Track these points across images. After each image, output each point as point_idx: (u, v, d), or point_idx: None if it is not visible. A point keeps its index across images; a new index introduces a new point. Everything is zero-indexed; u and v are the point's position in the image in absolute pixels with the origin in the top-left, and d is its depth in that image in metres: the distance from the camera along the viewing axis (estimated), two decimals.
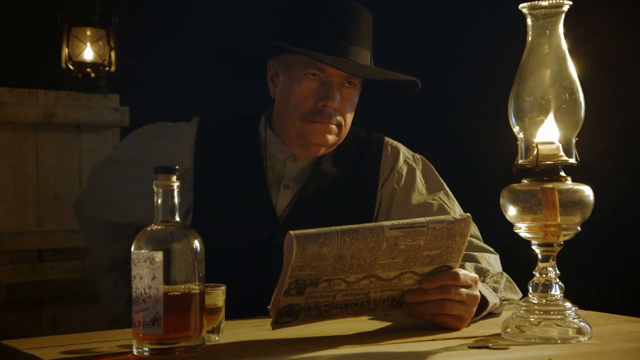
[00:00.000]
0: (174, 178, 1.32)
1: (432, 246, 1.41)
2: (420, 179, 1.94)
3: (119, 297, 2.16)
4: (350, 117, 1.87)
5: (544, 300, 1.40)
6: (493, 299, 1.58)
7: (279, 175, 1.92)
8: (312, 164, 1.93)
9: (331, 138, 1.85)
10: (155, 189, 1.32)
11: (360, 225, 1.36)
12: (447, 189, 1.95)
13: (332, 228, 1.34)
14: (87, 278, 2.26)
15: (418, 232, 1.39)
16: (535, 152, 1.39)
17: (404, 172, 1.94)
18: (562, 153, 1.39)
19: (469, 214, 1.45)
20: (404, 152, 1.98)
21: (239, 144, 1.94)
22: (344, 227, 1.35)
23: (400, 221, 1.39)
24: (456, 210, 1.90)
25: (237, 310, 1.63)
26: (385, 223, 1.38)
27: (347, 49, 1.83)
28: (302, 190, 1.90)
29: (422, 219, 1.40)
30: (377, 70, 1.87)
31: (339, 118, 1.84)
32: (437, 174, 1.97)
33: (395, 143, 1.99)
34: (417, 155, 1.99)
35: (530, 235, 1.40)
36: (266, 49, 1.90)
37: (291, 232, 1.32)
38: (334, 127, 1.84)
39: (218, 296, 1.43)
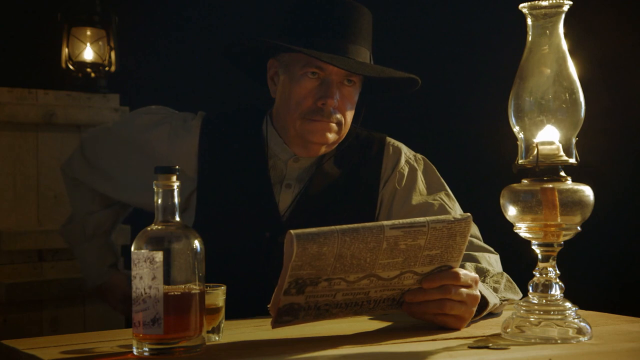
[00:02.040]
0: (174, 178, 1.32)
1: (433, 246, 1.41)
2: (422, 179, 1.94)
3: (102, 262, 2.18)
4: (350, 115, 1.88)
5: (544, 300, 1.40)
6: (493, 299, 1.58)
7: (280, 174, 1.92)
8: (314, 164, 1.93)
9: (331, 137, 1.85)
10: (155, 189, 1.32)
11: (360, 225, 1.36)
12: (448, 189, 1.95)
13: (333, 227, 1.34)
14: (67, 242, 2.26)
15: (418, 232, 1.39)
16: (535, 152, 1.39)
17: (406, 173, 1.94)
18: (562, 153, 1.39)
19: (469, 214, 1.45)
20: (406, 152, 1.98)
21: (243, 142, 1.94)
22: (344, 226, 1.35)
23: (401, 221, 1.39)
24: (457, 210, 1.90)
25: (237, 310, 1.63)
26: (385, 223, 1.38)
27: (347, 48, 1.83)
28: (304, 190, 1.90)
29: (422, 219, 1.40)
30: (376, 67, 1.87)
31: (339, 116, 1.84)
32: (439, 175, 1.97)
33: (397, 143, 1.99)
34: (419, 156, 2.00)
35: (530, 235, 1.40)
36: (266, 48, 1.90)
37: (291, 231, 1.32)
38: (334, 125, 1.84)
39: (218, 296, 1.43)
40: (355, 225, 1.36)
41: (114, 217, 2.18)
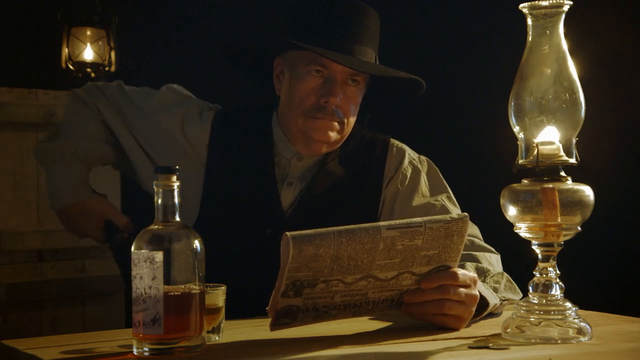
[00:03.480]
0: (174, 178, 1.32)
1: (430, 246, 1.41)
2: (425, 181, 1.94)
3: (81, 181, 1.99)
4: (353, 115, 1.88)
5: (544, 300, 1.40)
6: (493, 299, 1.58)
7: (284, 172, 1.92)
8: (318, 163, 1.93)
9: (333, 135, 1.85)
10: (155, 189, 1.32)
11: (356, 226, 1.36)
12: (450, 192, 1.95)
13: (329, 229, 1.34)
14: (43, 156, 2.02)
15: (415, 232, 1.39)
16: (536, 152, 1.39)
17: (409, 174, 1.94)
18: (562, 153, 1.39)
19: (466, 214, 1.45)
20: (410, 153, 1.98)
21: (251, 138, 1.95)
22: (340, 227, 1.35)
23: (397, 221, 1.39)
24: None
25: (237, 310, 1.63)
26: (382, 223, 1.38)
27: (352, 48, 1.83)
28: (307, 189, 1.91)
29: (419, 219, 1.40)
30: (380, 67, 1.87)
31: (342, 116, 1.84)
32: (442, 177, 1.97)
33: (400, 145, 1.99)
34: (423, 157, 2.00)
35: (530, 235, 1.40)
36: (271, 46, 1.91)
37: (287, 233, 1.31)
38: (336, 124, 1.84)
39: (218, 296, 1.43)
40: (352, 226, 1.36)
41: (110, 154, 2.04)
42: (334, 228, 1.35)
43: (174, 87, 2.08)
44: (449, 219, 1.42)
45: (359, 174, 1.94)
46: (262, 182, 1.91)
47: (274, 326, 1.40)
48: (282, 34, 1.89)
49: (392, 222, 1.38)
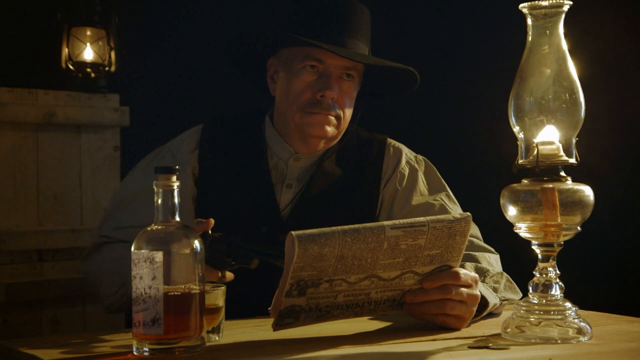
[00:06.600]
0: (174, 178, 1.32)
1: (433, 245, 1.41)
2: (423, 180, 1.95)
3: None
4: (349, 111, 1.88)
5: (544, 300, 1.40)
6: (493, 299, 1.58)
7: (282, 174, 1.92)
8: (315, 163, 1.93)
9: (330, 130, 1.86)
10: (155, 189, 1.32)
11: (361, 225, 1.36)
12: (449, 190, 1.95)
13: (334, 228, 1.34)
14: (90, 274, 1.98)
15: (419, 232, 1.39)
16: (536, 152, 1.39)
17: (406, 173, 1.94)
18: (562, 153, 1.39)
19: (468, 213, 1.45)
20: (407, 153, 1.98)
21: (244, 145, 1.94)
22: (345, 227, 1.35)
23: (401, 221, 1.39)
24: (457, 212, 1.90)
25: (237, 310, 1.62)
26: (386, 223, 1.38)
27: (346, 42, 1.84)
28: (305, 189, 1.90)
29: (422, 219, 1.40)
30: (372, 58, 1.88)
31: (338, 110, 1.85)
32: (440, 176, 1.98)
33: (397, 144, 2.00)
34: (420, 157, 2.00)
35: (530, 235, 1.40)
36: (265, 46, 1.91)
37: (292, 232, 1.32)
38: (332, 118, 1.85)
39: (218, 296, 1.43)
40: (356, 225, 1.36)
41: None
42: (339, 227, 1.35)
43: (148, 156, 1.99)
44: (452, 219, 1.42)
45: (357, 174, 1.94)
46: (258, 186, 1.91)
47: (277, 326, 1.40)
48: (279, 32, 1.90)
49: (396, 222, 1.39)
